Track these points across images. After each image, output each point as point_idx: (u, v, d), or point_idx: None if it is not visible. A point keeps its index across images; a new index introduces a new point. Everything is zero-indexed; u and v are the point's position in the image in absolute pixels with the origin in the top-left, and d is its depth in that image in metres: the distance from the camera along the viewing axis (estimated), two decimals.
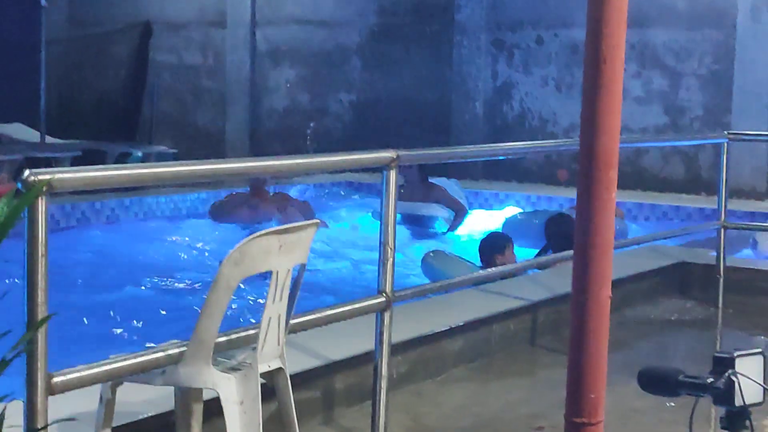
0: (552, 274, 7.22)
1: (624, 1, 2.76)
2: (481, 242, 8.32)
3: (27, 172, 3.02)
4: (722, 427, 2.48)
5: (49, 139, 13.67)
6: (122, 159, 13.53)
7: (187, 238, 9.78)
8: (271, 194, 10.67)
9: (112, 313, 7.13)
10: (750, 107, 12.03)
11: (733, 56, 12.21)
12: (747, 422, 2.45)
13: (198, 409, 3.68)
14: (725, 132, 7.97)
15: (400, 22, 14.43)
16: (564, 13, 13.18)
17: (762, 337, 6.71)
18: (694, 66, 12.55)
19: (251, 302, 6.80)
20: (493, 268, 7.13)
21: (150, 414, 3.94)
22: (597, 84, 2.74)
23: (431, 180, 11.07)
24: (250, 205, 10.23)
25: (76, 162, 12.57)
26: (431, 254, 8.49)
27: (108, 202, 10.50)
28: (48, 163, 12.11)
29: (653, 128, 12.70)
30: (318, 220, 3.82)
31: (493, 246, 8.09)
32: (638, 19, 12.22)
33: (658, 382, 2.51)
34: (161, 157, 13.91)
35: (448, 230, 10.80)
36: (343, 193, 12.94)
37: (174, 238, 9.87)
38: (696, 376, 2.46)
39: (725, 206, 7.58)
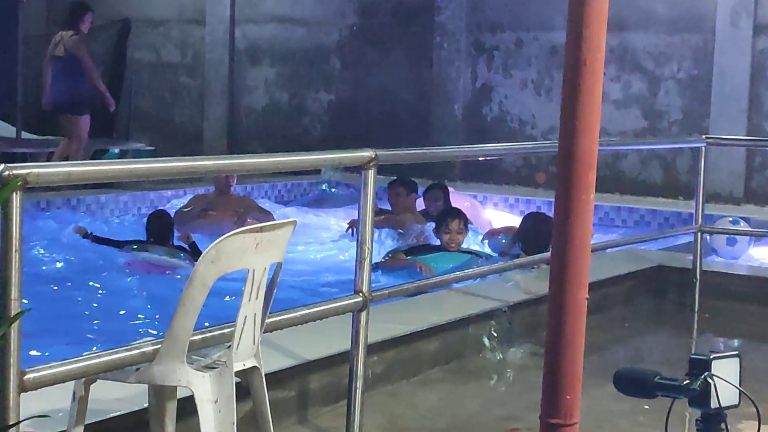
0: (529, 275, 7.22)
1: (605, 5, 2.76)
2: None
3: (2, 167, 3.00)
4: (698, 430, 2.48)
5: (25, 135, 13.61)
6: (98, 155, 13.47)
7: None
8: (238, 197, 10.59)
9: (85, 310, 7.10)
10: (728, 112, 12.08)
11: (712, 61, 12.26)
12: (723, 425, 2.45)
13: (172, 408, 3.66)
14: (703, 136, 7.99)
15: (380, 23, 14.42)
16: (543, 15, 13.21)
17: (737, 341, 6.74)
18: (673, 70, 12.60)
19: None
20: (470, 270, 7.11)
21: (123, 412, 3.92)
22: (577, 86, 2.74)
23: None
24: (211, 217, 10.11)
25: (52, 158, 12.49)
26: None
27: (84, 198, 10.45)
28: (24, 158, 12.05)
29: (632, 132, 12.74)
30: (295, 220, 3.80)
31: (441, 216, 8.24)
32: (618, 22, 12.26)
33: (634, 384, 2.51)
34: (138, 155, 13.87)
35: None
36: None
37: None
38: (672, 377, 2.46)
39: (702, 211, 7.61)
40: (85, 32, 11.79)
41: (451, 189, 11.49)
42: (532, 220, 8.43)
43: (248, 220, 10.06)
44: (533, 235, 7.95)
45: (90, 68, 11.64)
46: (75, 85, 11.61)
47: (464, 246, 8.17)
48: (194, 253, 8.23)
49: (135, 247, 8.48)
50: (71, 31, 11.66)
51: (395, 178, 10.04)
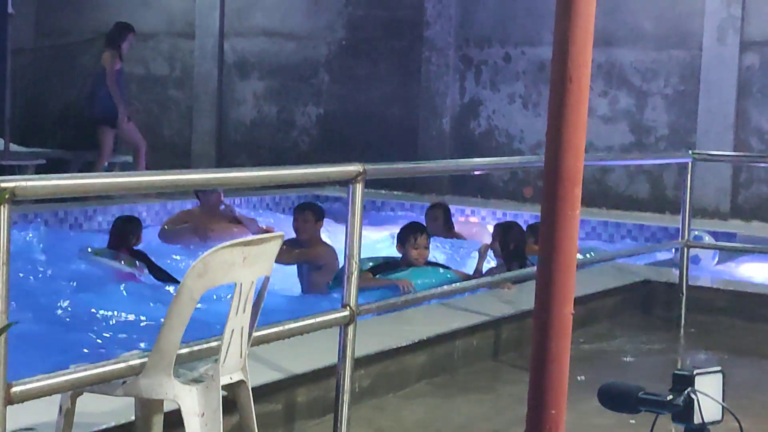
0: (515, 289, 7.23)
1: (590, 22, 2.78)
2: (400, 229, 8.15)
3: None
4: None
5: (13, 147, 13.57)
6: (86, 168, 13.45)
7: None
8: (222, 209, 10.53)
9: (73, 322, 7.08)
10: (715, 128, 12.13)
11: (699, 77, 12.32)
12: None
13: (158, 421, 3.66)
14: (690, 152, 8.03)
15: (368, 37, 14.45)
16: (532, 31, 13.25)
17: (722, 356, 6.76)
18: (660, 86, 12.65)
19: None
20: (457, 284, 7.13)
21: (110, 425, 3.91)
22: (562, 102, 2.75)
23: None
24: (200, 232, 10.07)
25: (40, 170, 12.49)
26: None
27: (71, 210, 10.44)
28: (12, 171, 12.05)
29: (619, 147, 12.77)
30: (282, 233, 3.82)
31: (407, 230, 7.91)
32: (606, 38, 12.31)
33: (618, 399, 2.52)
34: (126, 168, 13.84)
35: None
36: None
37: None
38: (656, 393, 2.47)
39: (689, 225, 7.64)
40: (124, 50, 12.81)
41: (466, 215, 11.47)
42: (505, 230, 8.45)
43: (235, 229, 10.01)
44: (510, 245, 8.10)
45: (111, 82, 12.52)
46: (103, 98, 12.55)
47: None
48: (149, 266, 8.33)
49: (90, 250, 8.49)
50: (110, 48, 12.71)
51: (304, 202, 9.47)
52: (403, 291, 7.34)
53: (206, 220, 10.17)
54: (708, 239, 9.85)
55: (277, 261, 3.64)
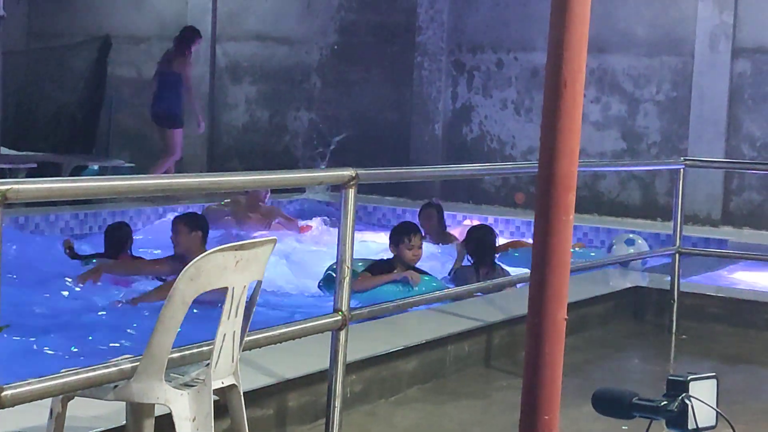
0: (507, 295, 7.23)
1: (585, 26, 2.77)
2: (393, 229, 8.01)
3: None
4: None
5: (4, 150, 13.56)
6: (78, 172, 13.44)
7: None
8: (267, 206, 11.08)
9: (63, 326, 7.06)
10: (706, 134, 12.15)
11: (691, 84, 12.34)
12: None
13: (149, 425, 3.65)
14: (682, 158, 8.04)
15: (361, 42, 14.45)
16: (524, 36, 13.26)
17: (714, 363, 6.76)
18: (653, 92, 12.66)
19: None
20: (450, 290, 7.13)
21: (101, 429, 3.90)
22: (557, 107, 2.75)
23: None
24: (238, 218, 10.63)
25: (32, 174, 12.48)
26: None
27: (63, 214, 10.43)
28: (3, 174, 12.03)
29: (611, 153, 12.79)
30: (275, 238, 3.81)
31: (401, 231, 7.76)
32: (598, 44, 12.33)
33: (612, 404, 2.51)
34: (117, 171, 13.84)
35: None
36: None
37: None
38: (650, 398, 2.46)
39: (680, 232, 7.65)
40: (192, 55, 12.94)
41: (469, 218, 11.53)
42: (478, 232, 8.56)
43: (274, 225, 10.46)
44: (482, 246, 8.25)
45: (191, 88, 12.79)
46: (173, 100, 12.67)
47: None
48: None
49: (94, 261, 8.51)
50: (180, 52, 12.74)
51: (180, 214, 9.02)
52: (412, 283, 7.37)
53: (248, 208, 10.83)
54: (641, 242, 9.86)
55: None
